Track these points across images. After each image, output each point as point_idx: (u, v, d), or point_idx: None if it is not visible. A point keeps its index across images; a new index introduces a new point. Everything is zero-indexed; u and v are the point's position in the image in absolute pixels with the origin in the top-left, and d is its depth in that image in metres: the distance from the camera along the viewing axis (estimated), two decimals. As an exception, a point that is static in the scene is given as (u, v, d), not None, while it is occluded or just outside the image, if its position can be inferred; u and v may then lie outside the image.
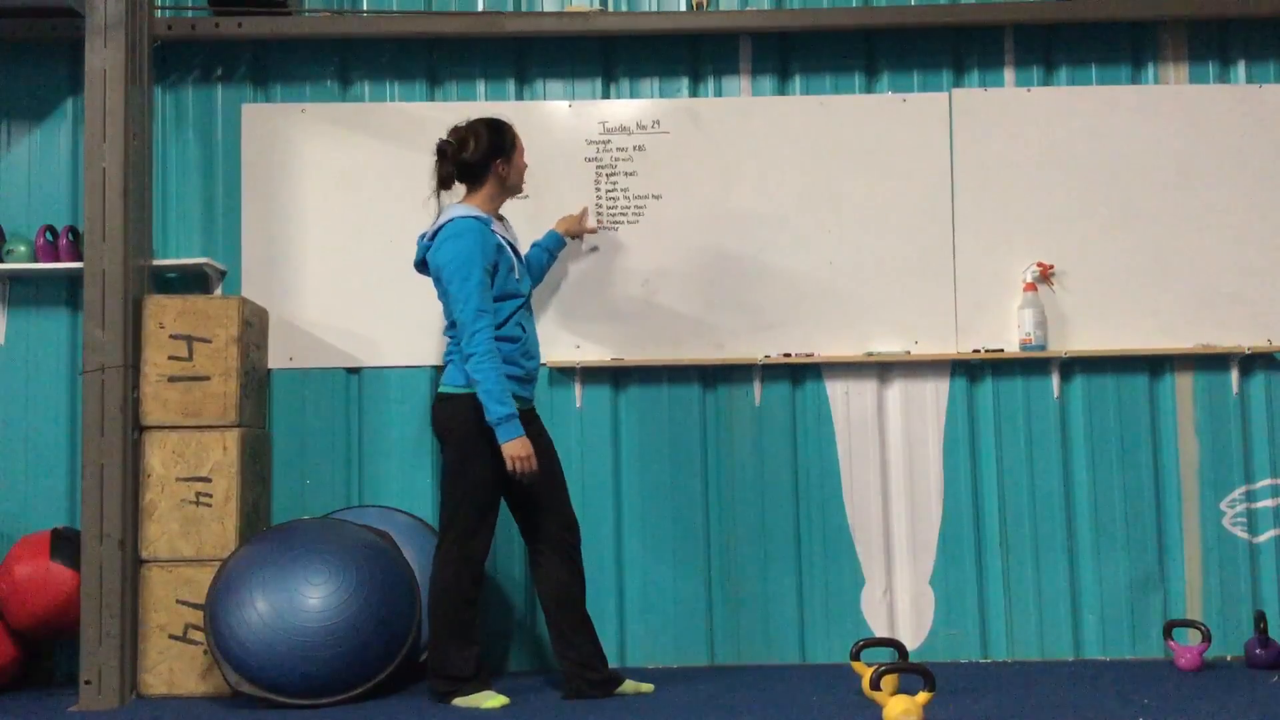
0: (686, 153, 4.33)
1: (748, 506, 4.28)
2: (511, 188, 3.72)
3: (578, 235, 4.25)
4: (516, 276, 3.62)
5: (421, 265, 3.70)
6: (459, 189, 3.72)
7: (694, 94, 4.43)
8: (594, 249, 4.29)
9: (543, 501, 3.62)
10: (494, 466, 3.50)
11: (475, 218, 3.56)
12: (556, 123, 4.34)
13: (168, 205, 4.34)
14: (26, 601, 3.83)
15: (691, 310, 4.28)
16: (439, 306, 4.01)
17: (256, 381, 4.14)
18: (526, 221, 4.21)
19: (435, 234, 3.59)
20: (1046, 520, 4.27)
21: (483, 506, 3.54)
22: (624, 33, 4.36)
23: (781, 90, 4.44)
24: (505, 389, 3.46)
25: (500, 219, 3.74)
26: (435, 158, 3.68)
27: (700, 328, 4.28)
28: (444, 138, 3.68)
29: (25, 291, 4.31)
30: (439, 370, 4.19)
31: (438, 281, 3.59)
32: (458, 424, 3.52)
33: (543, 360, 4.19)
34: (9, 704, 3.75)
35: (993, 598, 4.26)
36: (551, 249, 4.13)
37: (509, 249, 3.62)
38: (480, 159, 3.63)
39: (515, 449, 3.45)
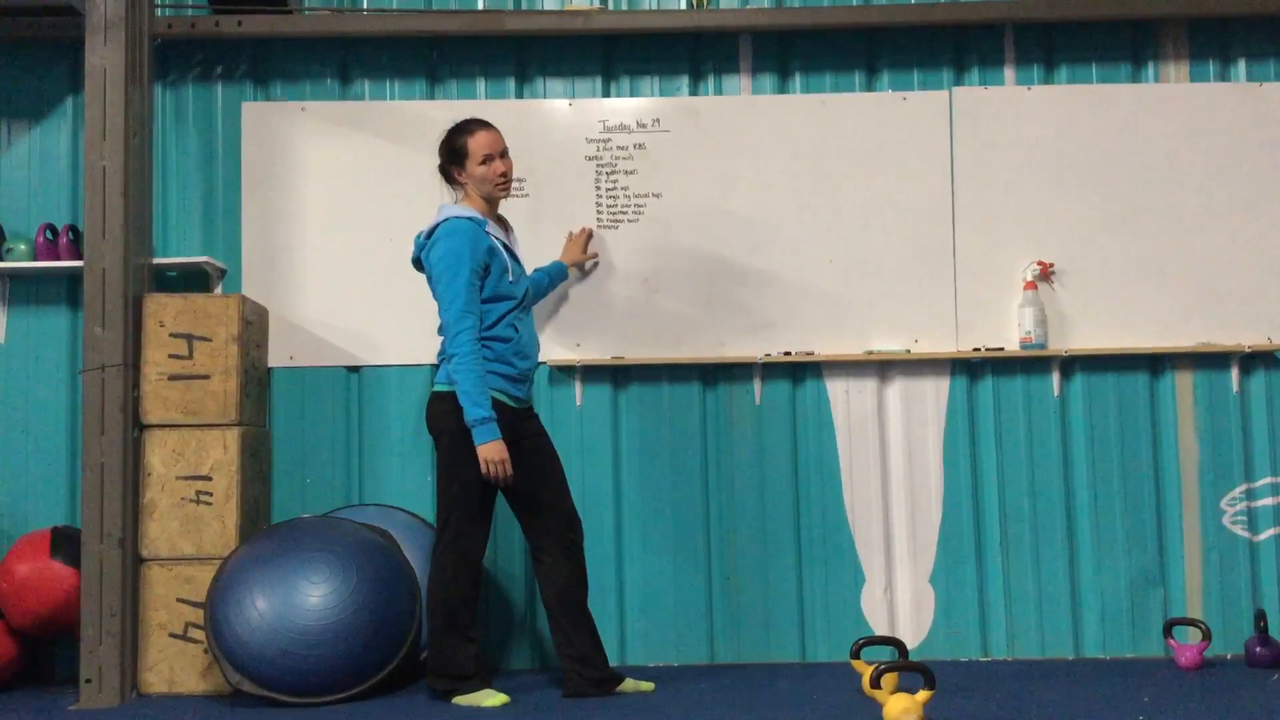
0: (687, 151, 4.33)
1: (748, 505, 4.28)
2: (486, 195, 3.65)
3: (580, 264, 4.25)
4: (510, 279, 3.60)
5: (418, 263, 3.70)
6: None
7: (694, 92, 4.43)
8: (595, 264, 4.28)
9: (544, 499, 3.63)
10: None
11: (470, 219, 3.56)
12: (557, 121, 4.34)
13: (168, 204, 4.34)
14: (27, 600, 3.83)
15: (691, 309, 4.28)
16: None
17: (257, 380, 4.14)
18: (527, 222, 4.22)
19: (430, 233, 3.60)
20: (1046, 518, 4.27)
21: (478, 504, 3.54)
22: (624, 31, 4.36)
23: (782, 89, 4.44)
24: (484, 392, 3.45)
25: (500, 220, 3.74)
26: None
27: (700, 326, 4.28)
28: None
29: (25, 290, 4.31)
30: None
31: (429, 280, 3.60)
32: (450, 422, 3.52)
33: (543, 359, 4.21)
34: (9, 702, 3.75)
35: (993, 596, 4.26)
36: (553, 275, 4.15)
37: (503, 251, 3.61)
38: (441, 166, 3.68)
39: (489, 452, 3.44)
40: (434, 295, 3.59)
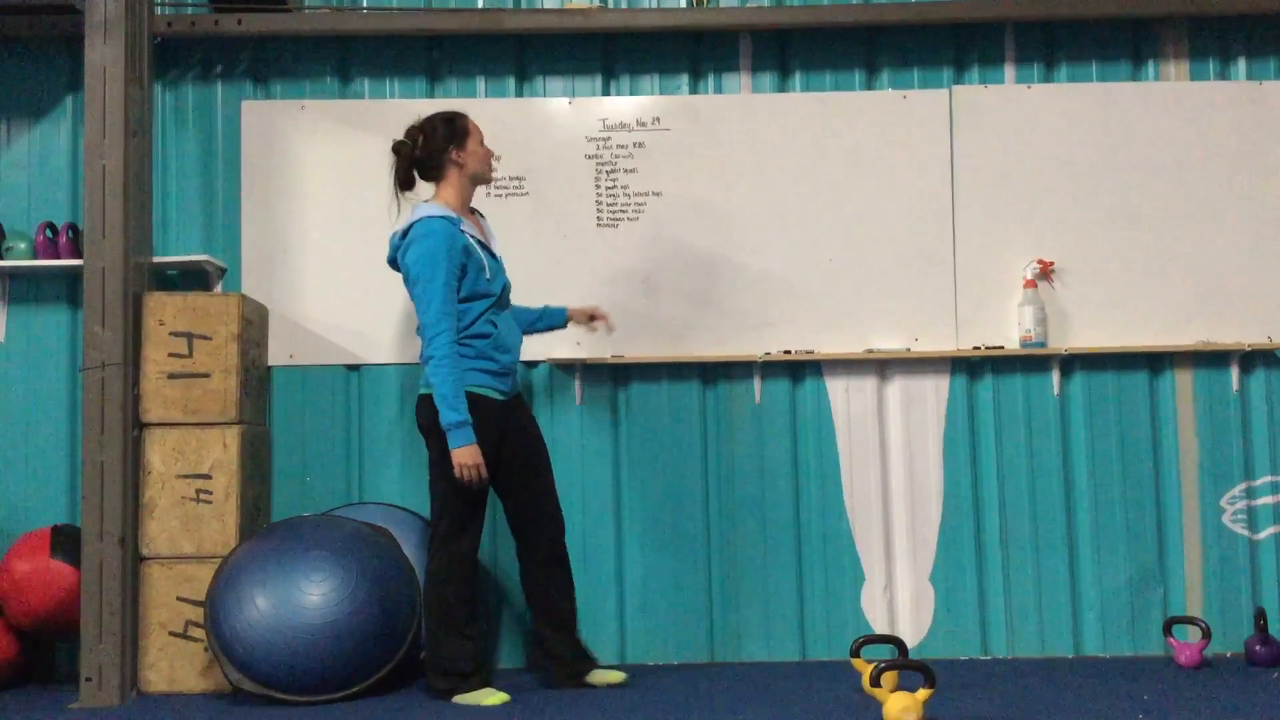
0: (687, 150, 4.33)
1: (748, 503, 4.28)
2: (476, 176, 3.68)
3: (581, 324, 4.05)
4: (488, 276, 3.59)
5: (394, 263, 3.69)
6: (424, 189, 3.72)
7: (694, 91, 4.43)
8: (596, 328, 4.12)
9: (534, 490, 3.67)
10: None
11: (444, 218, 3.53)
12: (557, 120, 4.34)
13: (167, 202, 4.34)
14: (27, 599, 3.83)
15: (691, 307, 4.28)
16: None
17: (256, 378, 4.14)
18: (527, 221, 4.22)
19: (405, 232, 3.58)
20: (1046, 517, 4.27)
21: (470, 502, 3.55)
22: (624, 29, 4.35)
23: (782, 87, 4.44)
24: (460, 395, 3.45)
25: (474, 214, 3.73)
26: (393, 157, 3.69)
27: (700, 325, 4.28)
28: (399, 138, 3.70)
29: (25, 289, 4.31)
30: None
31: (406, 282, 3.59)
32: (437, 422, 3.51)
33: (544, 358, 4.21)
34: (10, 701, 3.76)
35: (992, 594, 4.26)
36: (549, 317, 3.99)
37: (479, 248, 3.59)
38: (435, 151, 3.63)
39: (464, 456, 3.44)
40: (410, 296, 3.57)
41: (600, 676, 3.69)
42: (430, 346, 3.46)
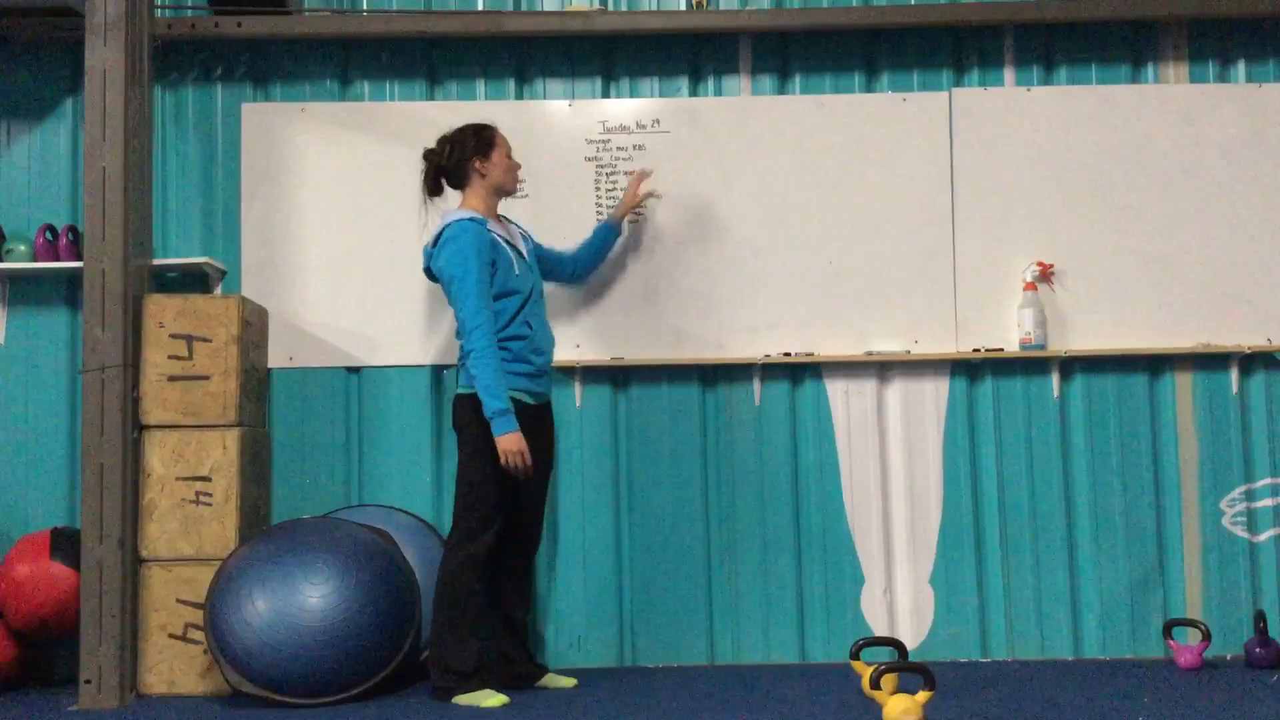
0: (686, 152, 4.33)
1: (748, 505, 4.27)
2: (499, 187, 3.76)
3: (636, 207, 4.21)
4: (517, 273, 3.66)
5: (429, 272, 3.75)
6: (454, 198, 3.81)
7: (694, 93, 4.43)
8: (652, 200, 4.24)
9: (525, 504, 3.72)
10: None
11: (470, 219, 3.62)
12: (557, 122, 4.34)
13: (167, 205, 4.34)
14: (26, 601, 3.83)
15: (691, 309, 4.28)
16: (439, 305, 4.07)
17: (256, 381, 4.14)
18: (527, 222, 4.21)
19: (436, 240, 3.66)
20: (1046, 519, 4.27)
21: (491, 504, 3.58)
22: (624, 32, 4.36)
23: (781, 90, 4.44)
24: (502, 384, 3.51)
25: (500, 219, 3.78)
26: (423, 163, 3.78)
27: (700, 327, 4.28)
28: (430, 146, 3.79)
29: (25, 291, 4.31)
30: (439, 370, 4.24)
31: (443, 286, 3.65)
32: (468, 422, 3.59)
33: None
34: (9, 703, 3.75)
35: (992, 597, 4.26)
36: (601, 240, 4.14)
37: (507, 247, 3.66)
38: (458, 160, 3.71)
39: (508, 443, 3.49)
40: (449, 300, 3.64)
41: (553, 680, 3.78)
42: (470, 339, 3.53)
